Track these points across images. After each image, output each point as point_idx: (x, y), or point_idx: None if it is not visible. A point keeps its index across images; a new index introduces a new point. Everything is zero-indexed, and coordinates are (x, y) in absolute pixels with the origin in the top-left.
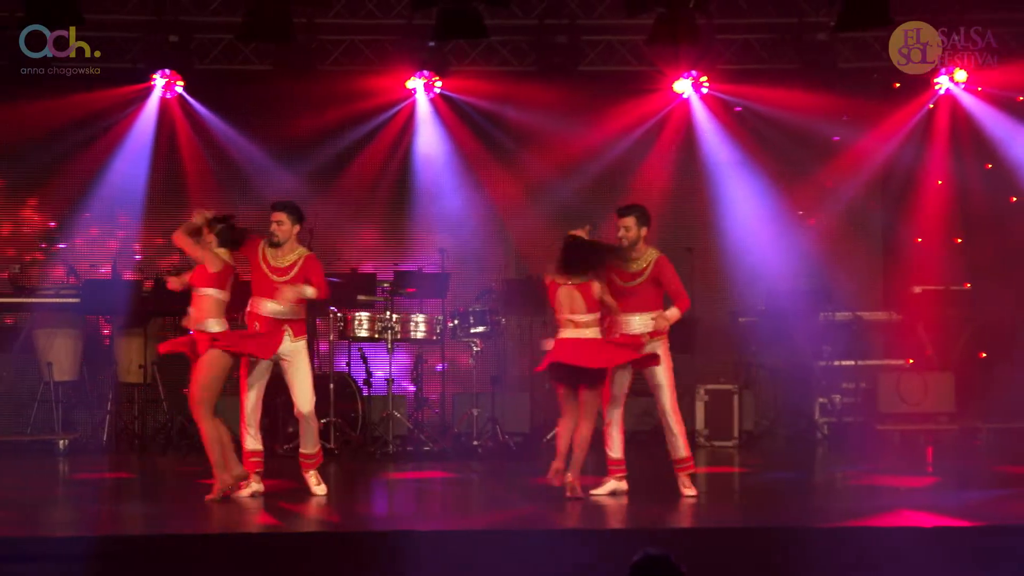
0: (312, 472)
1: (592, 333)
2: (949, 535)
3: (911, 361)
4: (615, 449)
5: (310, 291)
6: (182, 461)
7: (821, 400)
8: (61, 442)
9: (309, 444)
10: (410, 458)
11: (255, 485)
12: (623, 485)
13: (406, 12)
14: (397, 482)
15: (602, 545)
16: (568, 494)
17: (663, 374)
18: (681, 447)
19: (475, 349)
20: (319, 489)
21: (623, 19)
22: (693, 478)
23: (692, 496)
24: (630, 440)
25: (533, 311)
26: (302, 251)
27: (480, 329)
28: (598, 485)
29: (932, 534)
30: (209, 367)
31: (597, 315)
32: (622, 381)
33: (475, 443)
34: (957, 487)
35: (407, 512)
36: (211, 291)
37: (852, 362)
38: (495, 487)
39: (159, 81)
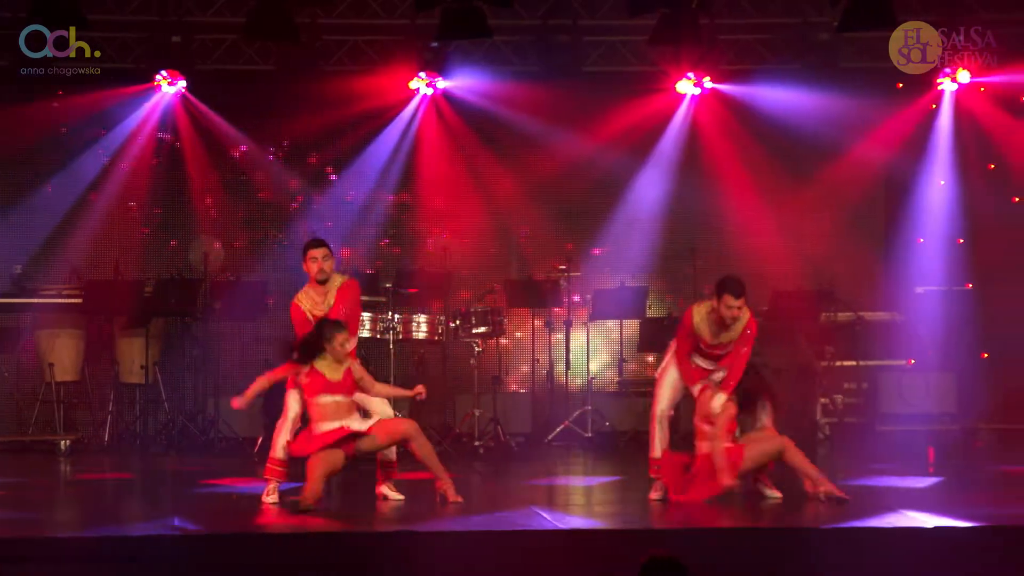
0: (388, 483)
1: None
2: (950, 535)
3: (913, 361)
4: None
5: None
6: (183, 461)
7: (823, 400)
8: (62, 442)
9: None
10: (411, 459)
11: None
12: None
13: (409, 12)
14: (397, 483)
15: (606, 546)
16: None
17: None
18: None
19: (477, 349)
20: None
21: (626, 19)
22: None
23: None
24: (632, 438)
25: (535, 311)
26: (337, 280)
27: (482, 329)
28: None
29: (933, 535)
30: None
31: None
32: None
33: (476, 444)
34: (958, 488)
35: (407, 513)
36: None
37: (854, 362)
38: (496, 488)
39: (162, 81)
